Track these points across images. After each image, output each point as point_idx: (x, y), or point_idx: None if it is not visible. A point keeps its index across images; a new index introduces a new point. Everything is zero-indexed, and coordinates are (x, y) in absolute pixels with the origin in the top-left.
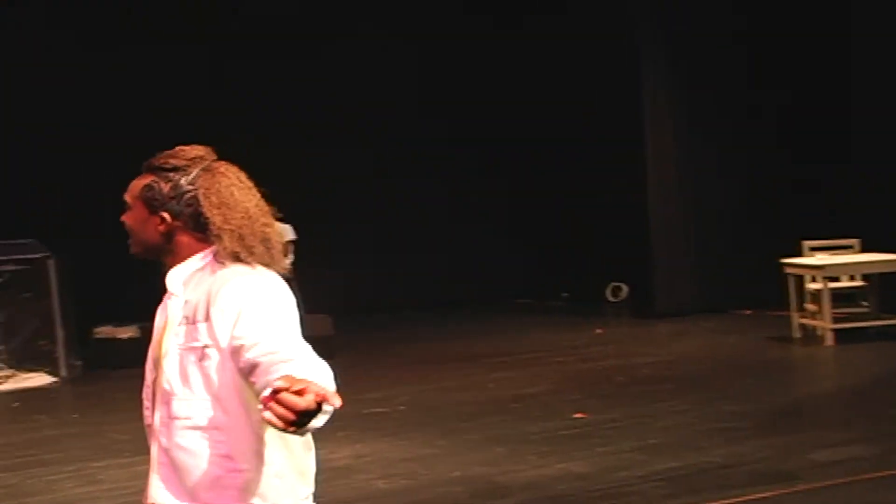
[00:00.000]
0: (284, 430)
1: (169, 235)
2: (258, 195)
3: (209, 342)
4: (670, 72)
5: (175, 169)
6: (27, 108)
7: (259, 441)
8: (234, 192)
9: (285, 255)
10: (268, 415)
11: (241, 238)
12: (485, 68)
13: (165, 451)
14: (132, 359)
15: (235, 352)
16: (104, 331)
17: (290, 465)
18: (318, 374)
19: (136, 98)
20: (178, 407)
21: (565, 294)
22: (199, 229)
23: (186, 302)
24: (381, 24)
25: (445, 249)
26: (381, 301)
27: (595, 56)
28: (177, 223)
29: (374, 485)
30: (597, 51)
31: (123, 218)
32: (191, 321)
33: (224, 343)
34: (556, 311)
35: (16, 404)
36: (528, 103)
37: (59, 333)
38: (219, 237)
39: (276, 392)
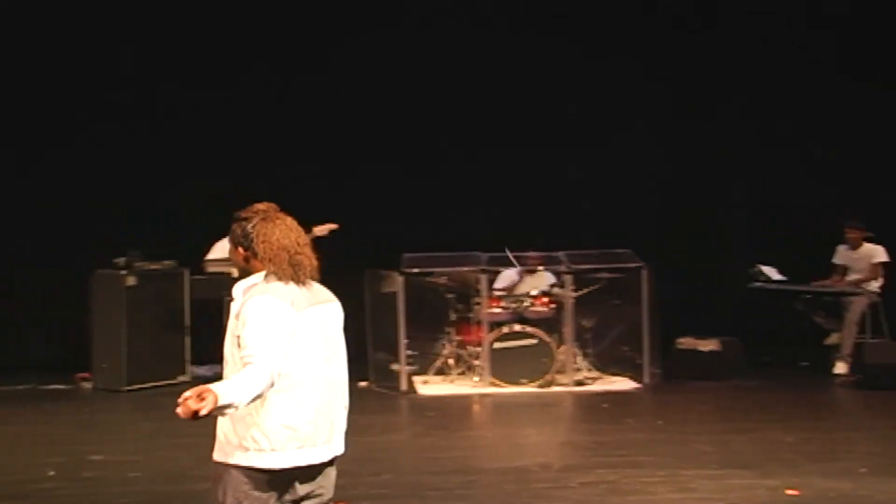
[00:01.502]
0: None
1: (247, 261)
2: (300, 234)
3: (238, 333)
4: None
5: (245, 219)
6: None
7: (265, 399)
8: (276, 232)
9: (875, 278)
10: (179, 410)
11: (275, 263)
12: None
13: None
14: (712, 371)
15: (238, 343)
16: (686, 342)
17: (304, 420)
18: (241, 381)
19: None
20: (226, 372)
21: None
22: (258, 257)
23: (241, 304)
24: None
25: None
26: None
27: None
28: (248, 253)
29: None
30: None
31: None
32: (235, 317)
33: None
34: None
35: (605, 405)
36: None
37: (645, 341)
38: (262, 262)
39: (185, 398)
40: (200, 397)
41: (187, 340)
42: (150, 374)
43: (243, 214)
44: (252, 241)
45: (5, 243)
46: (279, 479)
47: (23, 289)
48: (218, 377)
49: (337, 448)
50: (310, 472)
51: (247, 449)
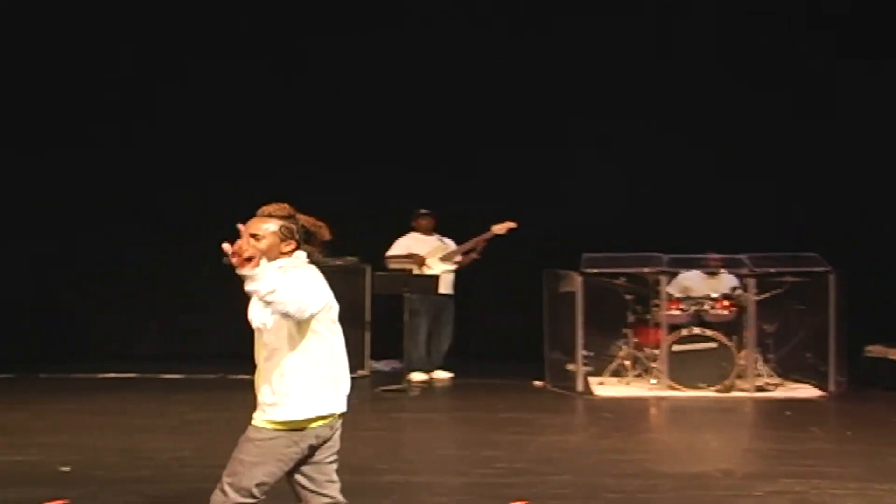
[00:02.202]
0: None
1: (287, 253)
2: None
3: None
4: None
5: (291, 216)
6: None
7: (298, 360)
8: (320, 224)
9: None
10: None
11: (319, 249)
12: None
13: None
14: None
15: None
16: (876, 350)
17: (324, 380)
18: (286, 285)
19: None
20: (266, 339)
21: None
22: (301, 243)
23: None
24: None
25: None
26: None
27: None
28: (296, 244)
29: None
30: None
31: (257, 247)
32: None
33: None
34: None
35: (788, 413)
36: None
37: (831, 347)
38: (317, 246)
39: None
40: (248, 254)
41: (367, 335)
42: None
43: (285, 214)
44: (310, 234)
45: (193, 237)
46: (301, 429)
47: (209, 281)
48: (395, 373)
49: (341, 404)
50: (326, 421)
51: (276, 405)
